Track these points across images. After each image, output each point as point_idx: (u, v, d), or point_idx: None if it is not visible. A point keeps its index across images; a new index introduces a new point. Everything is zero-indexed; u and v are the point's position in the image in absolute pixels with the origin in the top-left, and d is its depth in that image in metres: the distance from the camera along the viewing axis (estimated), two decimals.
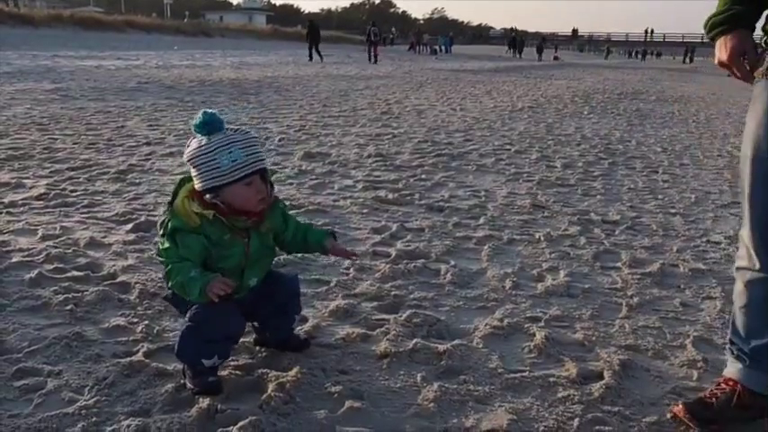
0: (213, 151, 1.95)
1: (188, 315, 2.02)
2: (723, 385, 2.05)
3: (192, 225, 1.98)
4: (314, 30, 27.39)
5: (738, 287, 1.99)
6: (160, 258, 2.06)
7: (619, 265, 3.48)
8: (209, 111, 2.00)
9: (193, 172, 2.00)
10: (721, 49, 1.86)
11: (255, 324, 2.34)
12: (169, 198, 2.07)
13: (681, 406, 2.05)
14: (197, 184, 2.00)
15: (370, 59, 28.07)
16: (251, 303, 2.17)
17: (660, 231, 4.17)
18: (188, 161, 2.01)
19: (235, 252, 2.05)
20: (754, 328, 1.96)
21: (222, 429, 1.85)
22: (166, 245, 2.01)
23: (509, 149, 6.96)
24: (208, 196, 1.99)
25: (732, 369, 2.04)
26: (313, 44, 26.85)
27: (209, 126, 1.97)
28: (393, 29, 76.34)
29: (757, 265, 1.90)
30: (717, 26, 1.87)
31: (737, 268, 1.99)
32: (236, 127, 2.06)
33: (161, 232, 2.05)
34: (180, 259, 1.98)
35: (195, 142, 1.99)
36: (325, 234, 2.26)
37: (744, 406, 1.98)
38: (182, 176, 2.11)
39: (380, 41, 33.13)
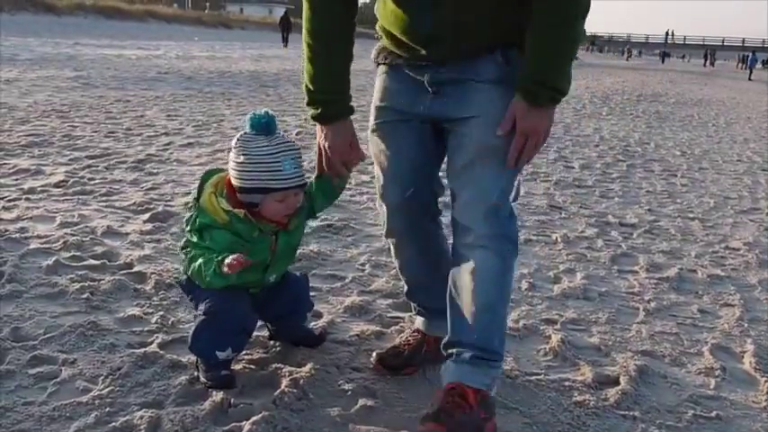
0: (275, 153, 1.92)
1: (202, 308, 2.01)
2: (415, 334, 2.28)
3: (221, 222, 1.96)
4: (287, 20, 34.05)
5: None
6: (185, 249, 2.05)
7: (636, 268, 3.45)
8: (272, 112, 1.96)
9: (245, 167, 1.93)
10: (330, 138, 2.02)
11: (269, 325, 2.33)
12: (194, 194, 2.04)
13: (375, 358, 2.21)
14: (239, 181, 1.96)
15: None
16: (261, 303, 2.15)
17: (678, 236, 4.12)
18: (244, 156, 1.92)
19: (262, 248, 2.03)
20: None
21: (235, 424, 1.84)
22: (194, 239, 2.01)
23: None
24: (242, 195, 1.96)
25: (418, 323, 2.29)
26: (285, 32, 32.95)
27: (270, 127, 1.94)
28: None
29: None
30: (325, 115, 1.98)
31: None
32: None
33: (188, 228, 2.03)
34: (205, 250, 1.97)
35: (257, 137, 1.93)
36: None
37: (432, 351, 2.15)
38: (205, 171, 2.09)
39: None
